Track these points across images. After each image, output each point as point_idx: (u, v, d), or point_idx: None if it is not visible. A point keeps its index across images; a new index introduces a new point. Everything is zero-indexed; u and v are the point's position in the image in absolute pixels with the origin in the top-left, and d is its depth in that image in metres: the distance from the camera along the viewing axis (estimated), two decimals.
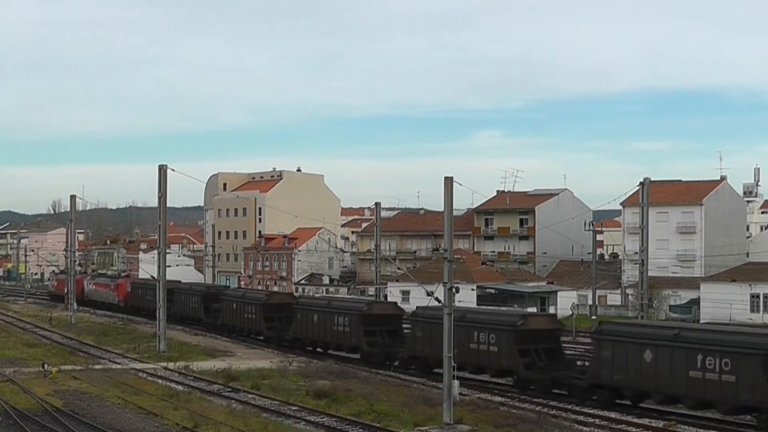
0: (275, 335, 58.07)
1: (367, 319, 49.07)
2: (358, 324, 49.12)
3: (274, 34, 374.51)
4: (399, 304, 56.02)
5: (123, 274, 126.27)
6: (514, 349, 38.44)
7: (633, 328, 36.35)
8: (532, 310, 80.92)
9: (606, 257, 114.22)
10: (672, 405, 33.16)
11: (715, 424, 31.30)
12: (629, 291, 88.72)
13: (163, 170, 54.05)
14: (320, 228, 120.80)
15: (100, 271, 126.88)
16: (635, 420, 31.82)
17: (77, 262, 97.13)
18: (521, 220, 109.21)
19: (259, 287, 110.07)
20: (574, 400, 35.60)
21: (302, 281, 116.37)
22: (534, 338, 38.59)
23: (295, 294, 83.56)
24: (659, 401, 33.35)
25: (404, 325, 50.06)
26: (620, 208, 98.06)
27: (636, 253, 66.92)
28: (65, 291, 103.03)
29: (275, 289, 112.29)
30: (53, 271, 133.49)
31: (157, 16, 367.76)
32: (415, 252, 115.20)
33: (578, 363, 39.45)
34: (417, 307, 47.51)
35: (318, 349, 53.44)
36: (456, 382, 31.51)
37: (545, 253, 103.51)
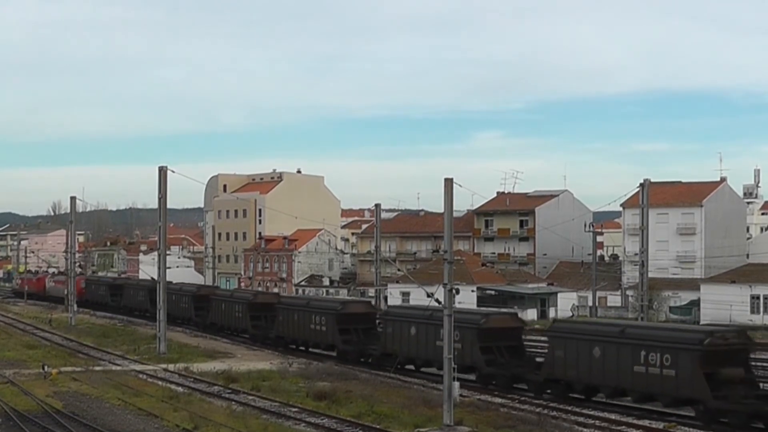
0: (201, 321, 68.23)
1: (254, 307, 59.95)
2: (246, 311, 60.30)
3: (274, 35, 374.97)
4: None
5: (122, 275, 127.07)
6: (336, 329, 49.33)
7: (404, 310, 48.97)
8: (532, 311, 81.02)
9: (606, 258, 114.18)
10: (428, 367, 43.04)
11: (715, 425, 31.28)
12: (629, 292, 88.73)
13: (163, 171, 54.00)
14: (320, 229, 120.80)
15: (59, 271, 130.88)
16: (635, 421, 31.82)
17: (77, 264, 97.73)
18: (521, 222, 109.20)
19: (260, 288, 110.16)
20: (574, 402, 35.78)
21: (302, 283, 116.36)
22: (353, 320, 49.28)
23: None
24: (419, 366, 44.31)
25: None
26: (620, 209, 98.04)
27: (636, 254, 66.91)
28: (37, 289, 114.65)
29: (275, 290, 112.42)
30: (26, 270, 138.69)
31: (157, 17, 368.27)
32: (415, 253, 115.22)
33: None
34: (281, 297, 64.40)
35: (227, 331, 63.76)
36: (456, 384, 31.51)
37: (545, 254, 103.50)
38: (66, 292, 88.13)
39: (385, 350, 45.79)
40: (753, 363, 34.52)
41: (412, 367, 44.57)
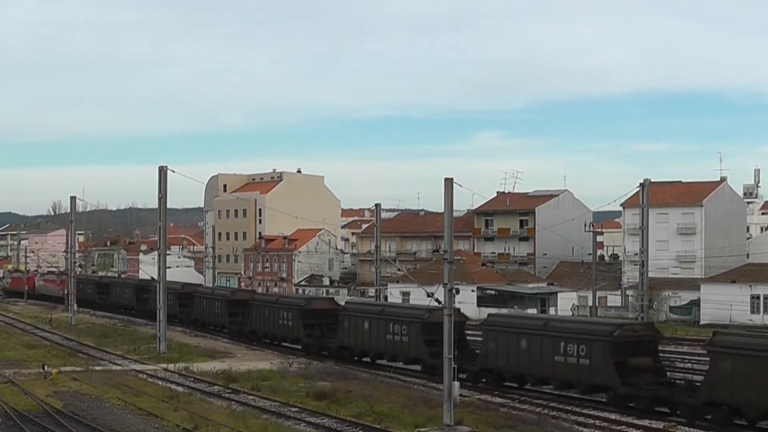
0: (185, 318, 71.84)
1: (231, 304, 63.89)
2: (224, 307, 64.37)
3: (275, 36, 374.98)
4: None
5: (122, 275, 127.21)
6: (300, 324, 53.01)
7: (359, 306, 53.08)
8: (532, 311, 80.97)
9: (606, 258, 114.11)
10: (380, 359, 46.82)
11: (715, 425, 31.32)
12: (629, 292, 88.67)
13: (163, 171, 54.03)
14: (320, 229, 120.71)
15: (48, 270, 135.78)
16: (635, 421, 31.85)
17: (77, 264, 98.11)
18: (521, 222, 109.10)
19: (260, 288, 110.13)
20: (574, 401, 35.86)
21: (302, 282, 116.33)
22: (317, 316, 52.93)
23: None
24: (373, 358, 47.42)
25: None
26: (620, 209, 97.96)
27: (636, 254, 66.97)
28: (23, 288, 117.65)
29: (275, 290, 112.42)
30: (11, 269, 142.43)
31: (157, 17, 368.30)
32: (415, 253, 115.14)
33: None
34: (255, 294, 69.08)
35: (211, 327, 67.57)
36: (456, 384, 31.51)
37: (545, 254, 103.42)
38: (66, 291, 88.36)
39: (342, 343, 49.45)
40: (661, 353, 38.13)
41: (368, 359, 48.13)
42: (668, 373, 35.99)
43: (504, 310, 70.84)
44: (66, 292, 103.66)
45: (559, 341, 35.51)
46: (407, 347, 44.23)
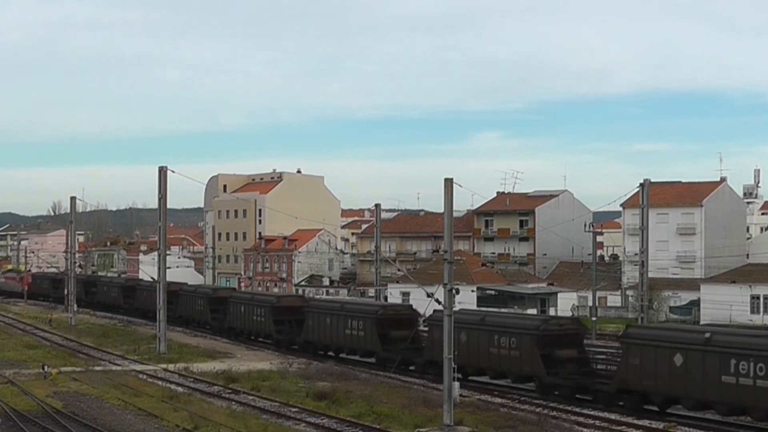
0: (129, 307, 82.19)
1: (168, 295, 71.81)
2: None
3: (275, 36, 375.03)
4: None
5: (123, 274, 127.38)
6: (208, 309, 67.69)
7: (240, 294, 69.38)
8: (532, 311, 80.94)
9: (606, 259, 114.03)
10: (249, 335, 60.87)
11: (715, 425, 31.34)
12: (629, 292, 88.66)
13: (163, 172, 54.02)
14: (320, 229, 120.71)
15: (9, 268, 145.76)
16: (635, 421, 31.87)
17: (77, 264, 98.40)
18: (521, 222, 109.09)
19: (260, 288, 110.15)
20: (574, 402, 35.91)
21: (302, 283, 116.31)
22: (220, 303, 66.14)
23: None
24: (247, 335, 60.85)
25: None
26: (620, 209, 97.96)
27: (636, 254, 66.92)
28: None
29: (275, 290, 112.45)
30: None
31: (157, 17, 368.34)
32: (415, 253, 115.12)
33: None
34: (182, 286, 76.84)
35: (150, 315, 72.02)
36: (456, 384, 31.51)
37: (545, 254, 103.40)
38: (69, 293, 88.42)
39: (230, 325, 62.93)
40: (421, 328, 48.21)
41: (253, 338, 60.56)
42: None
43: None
44: (24, 288, 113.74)
45: (347, 319, 48.58)
46: (263, 326, 57.96)
